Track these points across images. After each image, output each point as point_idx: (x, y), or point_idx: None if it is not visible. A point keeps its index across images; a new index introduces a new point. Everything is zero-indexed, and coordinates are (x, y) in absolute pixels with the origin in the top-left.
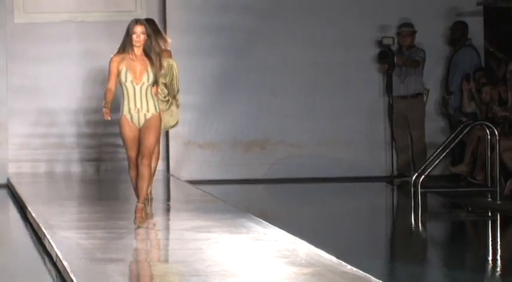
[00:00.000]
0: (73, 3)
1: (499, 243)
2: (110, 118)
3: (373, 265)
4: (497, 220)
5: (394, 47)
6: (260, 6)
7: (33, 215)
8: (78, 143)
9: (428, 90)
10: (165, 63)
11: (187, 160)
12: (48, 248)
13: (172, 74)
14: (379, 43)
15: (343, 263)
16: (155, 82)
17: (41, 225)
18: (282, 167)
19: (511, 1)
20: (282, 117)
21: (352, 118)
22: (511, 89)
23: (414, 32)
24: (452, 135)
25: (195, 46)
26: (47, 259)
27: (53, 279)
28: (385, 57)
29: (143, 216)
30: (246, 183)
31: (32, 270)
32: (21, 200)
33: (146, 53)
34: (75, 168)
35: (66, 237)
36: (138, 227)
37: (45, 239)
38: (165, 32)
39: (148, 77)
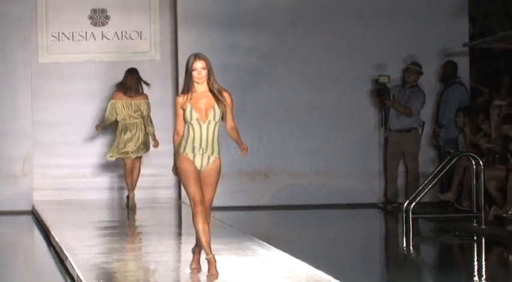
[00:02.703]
0: (92, 45)
1: (483, 264)
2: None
3: None
4: (482, 243)
5: (390, 85)
6: (263, 48)
7: (56, 239)
8: (97, 173)
9: (424, 122)
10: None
11: None
12: (70, 270)
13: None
14: (376, 81)
15: None
16: (223, 118)
17: (63, 248)
18: (284, 195)
19: (493, 42)
20: (284, 150)
21: (348, 150)
22: (494, 123)
23: (420, 72)
24: (441, 165)
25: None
26: (68, 280)
27: None
28: (382, 94)
29: (217, 272)
30: (251, 210)
31: None
32: (45, 226)
33: (210, 89)
34: (95, 196)
35: (87, 259)
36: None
37: (67, 261)
38: (177, 72)
39: (214, 114)
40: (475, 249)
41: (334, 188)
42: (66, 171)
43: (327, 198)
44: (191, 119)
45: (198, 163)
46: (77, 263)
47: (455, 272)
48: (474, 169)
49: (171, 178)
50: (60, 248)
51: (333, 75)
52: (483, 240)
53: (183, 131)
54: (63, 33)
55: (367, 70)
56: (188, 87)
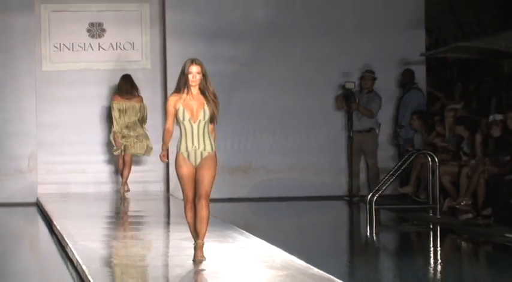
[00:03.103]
0: (90, 55)
1: (438, 250)
2: (167, 161)
3: (336, 268)
4: (437, 231)
5: (355, 90)
6: (243, 57)
7: (58, 227)
8: (95, 169)
9: (380, 124)
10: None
11: None
12: (70, 255)
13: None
14: (343, 87)
15: (312, 267)
16: (211, 120)
17: (64, 236)
18: (261, 188)
19: (446, 52)
20: (261, 148)
21: (318, 148)
22: (448, 124)
23: (375, 78)
24: (401, 162)
25: None
26: (69, 264)
27: (74, 280)
28: (348, 99)
29: (204, 256)
30: (231, 202)
31: (57, 273)
32: (48, 216)
33: (202, 91)
34: (93, 190)
35: (85, 246)
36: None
37: (68, 247)
38: (166, 79)
39: (204, 114)
40: (431, 236)
41: (306, 182)
42: (67, 167)
43: (299, 192)
44: (183, 119)
45: (192, 159)
46: (76, 249)
47: (414, 257)
48: (430, 165)
49: (160, 173)
50: (62, 235)
51: (305, 82)
52: (438, 228)
53: (173, 128)
54: (64, 44)
55: (335, 77)
56: (180, 88)
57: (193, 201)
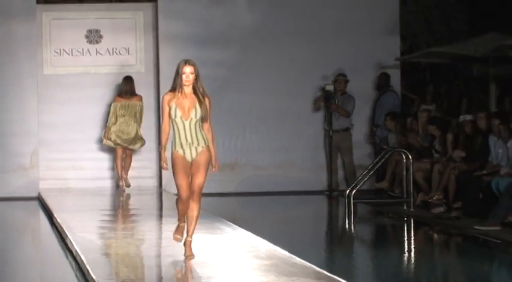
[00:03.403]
0: (88, 59)
1: (412, 240)
2: (167, 167)
3: (317, 257)
4: (411, 224)
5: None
6: (231, 61)
7: (58, 220)
8: (92, 165)
9: (353, 125)
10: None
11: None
12: (69, 245)
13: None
14: (323, 89)
15: (294, 256)
16: (203, 118)
17: (64, 228)
18: (248, 184)
19: (420, 57)
20: (249, 147)
21: (300, 147)
22: (421, 124)
23: (347, 81)
24: (377, 159)
25: None
26: (68, 254)
27: (73, 269)
28: (328, 100)
29: (192, 253)
30: (220, 196)
31: (57, 262)
32: (49, 209)
33: (195, 91)
34: (90, 185)
35: (84, 237)
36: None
37: (67, 238)
38: (159, 82)
39: (196, 113)
40: (405, 228)
41: (289, 178)
42: (67, 164)
43: (283, 187)
44: (175, 117)
45: (188, 155)
46: (75, 240)
47: (389, 247)
48: (404, 162)
49: (153, 170)
50: (62, 227)
51: (288, 84)
52: (412, 221)
53: (169, 128)
54: (63, 49)
55: (316, 80)
56: (175, 87)
57: (186, 190)
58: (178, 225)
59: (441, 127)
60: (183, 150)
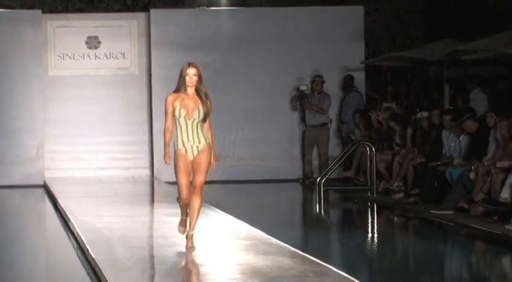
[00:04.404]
0: (88, 63)
1: (375, 223)
2: (170, 162)
3: (291, 238)
4: (374, 208)
5: (307, 92)
6: (216, 64)
7: (62, 205)
8: (92, 157)
9: (331, 119)
10: None
11: (166, 168)
12: (71, 228)
13: None
14: (297, 89)
15: (271, 237)
16: (205, 118)
17: (66, 212)
18: (230, 173)
19: (382, 61)
20: (231, 140)
21: (277, 140)
22: (384, 120)
23: (323, 81)
24: (344, 151)
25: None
26: (70, 235)
27: (75, 249)
28: (302, 99)
29: (193, 245)
30: (205, 184)
31: (60, 243)
32: (54, 196)
33: (198, 92)
34: (91, 174)
35: (84, 220)
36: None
37: (70, 221)
38: (151, 83)
39: (199, 113)
40: (369, 212)
41: (267, 167)
42: (70, 155)
43: (261, 175)
44: (179, 117)
45: (189, 153)
46: (76, 223)
47: (355, 229)
48: (368, 154)
49: (146, 160)
50: (65, 212)
51: (267, 84)
52: (375, 206)
53: (172, 127)
54: (66, 54)
55: (291, 81)
56: (178, 89)
57: (186, 187)
58: (181, 219)
59: (401, 123)
60: (185, 148)
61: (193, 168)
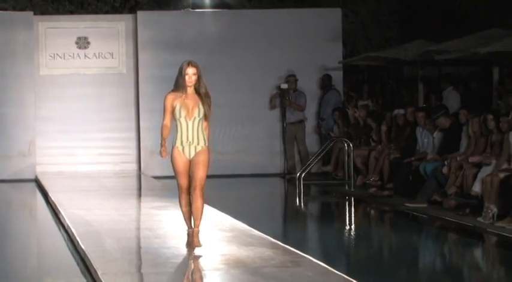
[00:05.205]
0: (78, 62)
1: (353, 215)
2: (166, 157)
3: (272, 230)
4: (351, 201)
5: (288, 90)
6: (200, 63)
7: (53, 199)
8: (82, 152)
9: (307, 118)
10: None
11: (152, 163)
12: (62, 220)
13: None
14: (278, 87)
15: (253, 229)
16: (205, 117)
17: (57, 205)
18: (214, 167)
19: (358, 61)
20: (214, 136)
21: (259, 136)
22: (361, 117)
23: (297, 80)
24: (323, 147)
25: (158, 87)
26: (61, 227)
27: (65, 241)
28: (283, 97)
29: (199, 241)
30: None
31: (51, 235)
32: (45, 190)
33: (197, 91)
34: (81, 169)
35: (74, 213)
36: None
37: (60, 214)
38: (138, 82)
39: (199, 112)
40: (347, 205)
41: (249, 162)
42: (60, 151)
43: (244, 170)
44: (180, 117)
45: (187, 153)
46: (67, 215)
47: (334, 221)
48: (346, 149)
49: (133, 156)
50: (55, 205)
51: (250, 83)
52: (352, 199)
53: (171, 124)
54: (57, 53)
55: (272, 79)
56: (177, 88)
57: (186, 190)
58: (188, 232)
59: (377, 120)
60: (183, 147)
61: (191, 168)
